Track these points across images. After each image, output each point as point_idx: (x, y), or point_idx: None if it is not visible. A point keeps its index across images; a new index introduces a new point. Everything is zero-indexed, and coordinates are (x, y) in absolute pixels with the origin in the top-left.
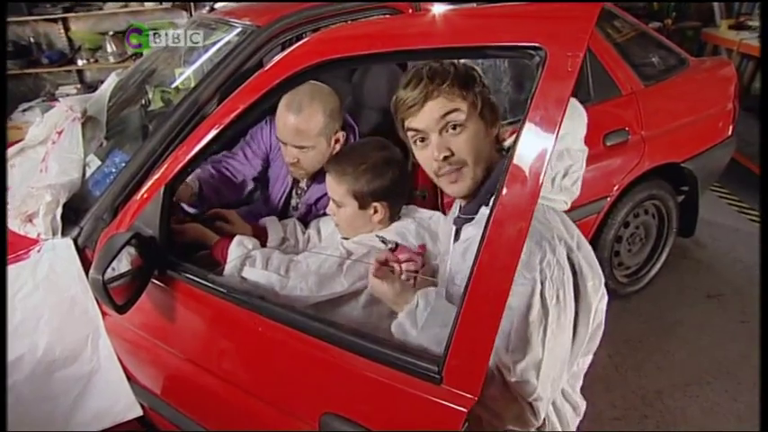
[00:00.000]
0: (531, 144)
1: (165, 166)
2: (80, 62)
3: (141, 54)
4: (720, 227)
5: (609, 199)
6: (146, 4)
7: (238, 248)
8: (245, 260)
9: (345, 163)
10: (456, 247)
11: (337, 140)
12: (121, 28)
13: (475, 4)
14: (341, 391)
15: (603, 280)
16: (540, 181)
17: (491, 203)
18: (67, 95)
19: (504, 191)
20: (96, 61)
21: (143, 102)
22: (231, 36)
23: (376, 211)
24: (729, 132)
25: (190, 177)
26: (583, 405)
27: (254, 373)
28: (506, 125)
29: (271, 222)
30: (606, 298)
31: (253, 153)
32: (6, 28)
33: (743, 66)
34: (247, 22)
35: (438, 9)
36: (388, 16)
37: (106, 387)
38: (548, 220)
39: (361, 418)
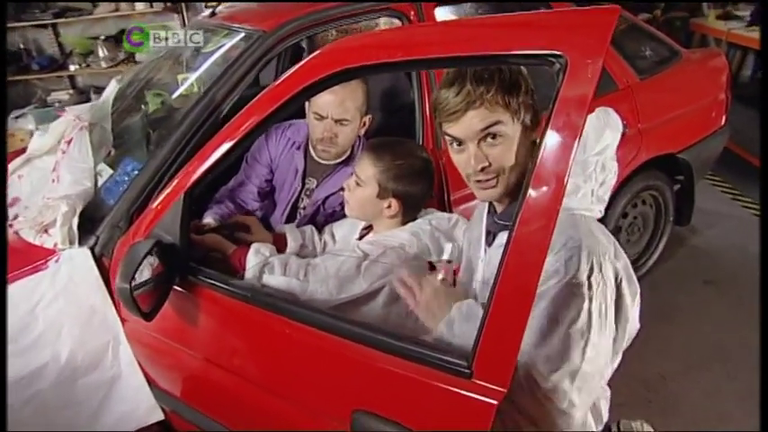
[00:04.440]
0: (554, 148)
1: (184, 173)
2: (72, 67)
3: (134, 58)
4: (715, 214)
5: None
6: (137, 7)
7: (256, 257)
8: (264, 267)
9: (387, 151)
10: (492, 252)
11: (364, 124)
12: (112, 32)
13: (468, 5)
14: (371, 388)
15: (639, 289)
16: (565, 182)
17: (516, 209)
18: (59, 101)
19: (530, 192)
20: (88, 66)
21: (146, 108)
22: (235, 41)
23: (390, 206)
24: (722, 122)
25: (209, 217)
26: (609, 393)
27: (283, 375)
28: None
29: (290, 230)
30: (639, 305)
31: (257, 173)
32: (6, 31)
33: (731, 55)
34: (253, 27)
35: (442, 15)
36: (394, 20)
37: (128, 392)
38: (593, 233)
39: (392, 413)
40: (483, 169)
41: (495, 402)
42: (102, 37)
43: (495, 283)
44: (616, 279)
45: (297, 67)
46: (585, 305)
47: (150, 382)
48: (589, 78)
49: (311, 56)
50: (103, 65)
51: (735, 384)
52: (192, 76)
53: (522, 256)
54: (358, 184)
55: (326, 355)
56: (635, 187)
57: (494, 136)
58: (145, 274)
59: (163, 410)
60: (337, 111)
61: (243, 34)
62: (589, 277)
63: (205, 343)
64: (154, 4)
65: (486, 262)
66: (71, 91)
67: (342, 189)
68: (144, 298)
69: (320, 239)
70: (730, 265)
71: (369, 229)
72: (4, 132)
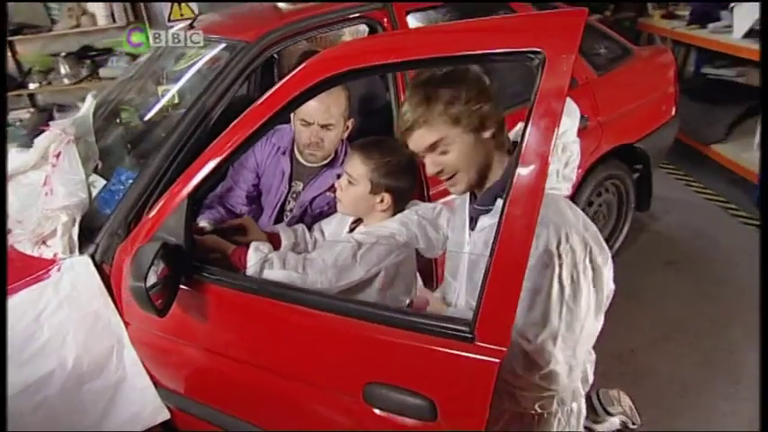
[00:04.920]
0: (538, 132)
1: (184, 178)
2: (31, 85)
3: (98, 74)
4: (671, 200)
5: (574, 181)
6: (99, 23)
7: (256, 254)
8: (264, 263)
9: (375, 149)
10: (476, 235)
11: (347, 127)
12: (73, 48)
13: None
14: (380, 361)
15: (609, 254)
16: (548, 163)
17: (506, 189)
18: (20, 120)
19: (519, 171)
20: (49, 83)
21: (121, 122)
22: (217, 52)
23: (382, 201)
24: (673, 113)
25: (204, 221)
26: (593, 357)
27: (295, 358)
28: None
29: (283, 229)
30: (612, 267)
31: (244, 179)
32: (6, 31)
33: (676, 51)
34: (236, 38)
35: (412, 22)
36: (360, 29)
37: (134, 394)
38: (559, 209)
39: (403, 382)
40: (439, 173)
41: (497, 361)
42: (63, 54)
43: (490, 256)
44: (586, 247)
45: (296, 70)
46: (557, 272)
47: (156, 383)
48: (564, 71)
49: (311, 59)
50: (66, 81)
51: (695, 353)
52: (174, 88)
53: (514, 229)
54: (350, 182)
55: (337, 335)
56: (598, 176)
57: (442, 150)
58: (151, 278)
59: (168, 409)
60: (323, 117)
61: (224, 45)
62: (558, 247)
63: (214, 336)
64: (116, 19)
65: (471, 244)
66: (32, 109)
67: (329, 190)
68: (154, 297)
69: (311, 237)
70: (688, 247)
71: (357, 222)
72: (4, 138)
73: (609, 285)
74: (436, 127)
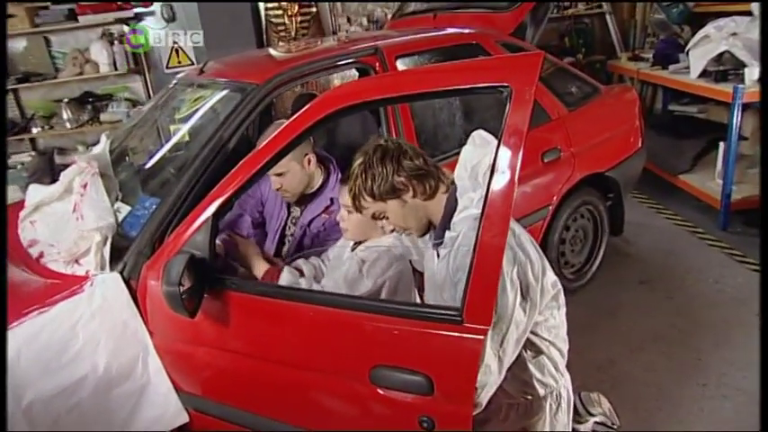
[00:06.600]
0: (507, 151)
1: (207, 202)
2: (34, 130)
3: (99, 118)
4: (644, 225)
5: (551, 207)
6: (101, 70)
7: (290, 275)
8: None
9: None
10: (439, 264)
11: (309, 161)
12: (75, 95)
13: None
14: (384, 347)
15: (545, 261)
16: (516, 175)
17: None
18: (22, 164)
19: (493, 180)
20: (51, 128)
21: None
22: (228, 93)
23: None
24: (639, 144)
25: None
26: (566, 348)
27: (309, 351)
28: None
29: (304, 263)
30: (549, 270)
31: (250, 207)
32: (6, 31)
33: (644, 90)
34: (246, 81)
35: (401, 65)
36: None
37: (156, 398)
38: None
39: (404, 362)
40: (393, 230)
41: (481, 337)
42: (66, 99)
43: (473, 251)
44: (515, 261)
45: (314, 102)
46: None
47: (176, 387)
48: (527, 100)
49: (326, 93)
50: (68, 126)
51: (668, 361)
52: (187, 126)
53: (491, 228)
54: (349, 212)
55: (345, 327)
56: (574, 203)
57: (383, 217)
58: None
59: (187, 411)
60: (272, 169)
61: (234, 86)
62: None
63: (235, 338)
64: (118, 66)
65: (438, 272)
66: (33, 153)
67: (323, 212)
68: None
69: (324, 266)
70: (659, 267)
71: (356, 244)
72: (4, 146)
73: (554, 284)
74: (372, 204)
